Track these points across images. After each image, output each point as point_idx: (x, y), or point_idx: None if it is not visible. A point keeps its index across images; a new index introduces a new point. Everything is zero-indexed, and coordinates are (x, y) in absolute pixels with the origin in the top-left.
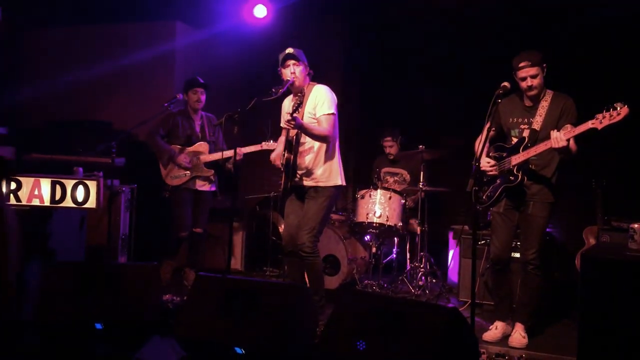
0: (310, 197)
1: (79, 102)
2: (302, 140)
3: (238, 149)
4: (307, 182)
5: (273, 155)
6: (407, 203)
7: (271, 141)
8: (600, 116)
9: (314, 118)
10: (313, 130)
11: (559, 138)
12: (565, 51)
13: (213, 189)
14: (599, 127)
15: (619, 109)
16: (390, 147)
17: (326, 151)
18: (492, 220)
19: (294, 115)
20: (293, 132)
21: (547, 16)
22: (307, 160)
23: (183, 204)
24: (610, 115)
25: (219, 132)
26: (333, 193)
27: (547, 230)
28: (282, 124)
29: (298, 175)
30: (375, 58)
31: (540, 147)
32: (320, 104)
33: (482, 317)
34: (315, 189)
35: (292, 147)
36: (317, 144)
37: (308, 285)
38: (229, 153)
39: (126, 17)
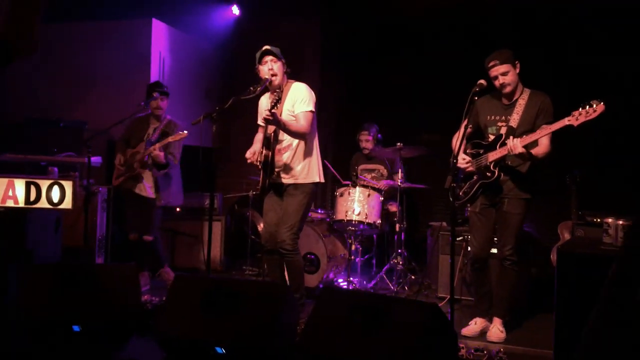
0: (289, 194)
1: (54, 100)
2: (280, 137)
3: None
4: (285, 180)
5: (249, 153)
6: (382, 187)
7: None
8: (576, 113)
9: (292, 115)
10: (290, 126)
11: (515, 145)
12: (539, 50)
13: (150, 194)
14: (575, 123)
15: (595, 105)
16: (367, 141)
17: (305, 148)
18: (469, 220)
19: (272, 111)
20: (271, 129)
21: (524, 14)
22: (285, 157)
23: (127, 206)
24: (587, 112)
25: (164, 133)
26: (312, 190)
27: (524, 226)
28: (260, 121)
29: (276, 173)
30: (353, 57)
31: (504, 151)
32: (299, 101)
33: (460, 312)
34: (295, 185)
35: (270, 144)
36: (295, 141)
37: (288, 283)
38: (150, 150)
39: (102, 15)
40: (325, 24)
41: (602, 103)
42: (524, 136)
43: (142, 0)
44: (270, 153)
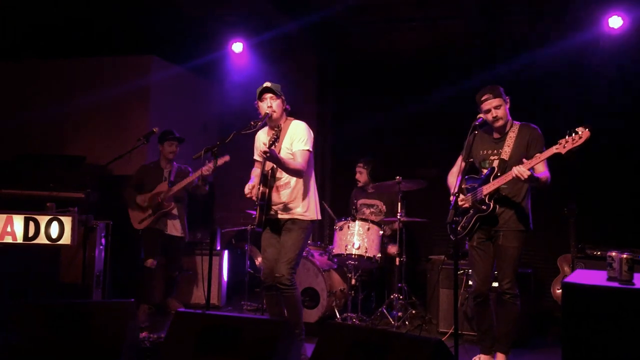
0: (288, 230)
1: (52, 135)
2: (278, 175)
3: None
4: (283, 215)
5: (247, 188)
6: (385, 232)
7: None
8: (563, 141)
9: (290, 153)
10: (288, 164)
11: (521, 171)
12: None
13: (182, 234)
14: (563, 151)
15: (580, 132)
16: (360, 173)
17: (303, 186)
18: (469, 255)
19: (271, 148)
20: (269, 166)
21: (518, 50)
22: (283, 195)
23: (152, 239)
24: (573, 140)
25: (184, 175)
26: (309, 226)
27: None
28: (256, 156)
29: (274, 210)
30: (352, 92)
31: (508, 177)
32: (297, 139)
33: (462, 347)
34: (293, 220)
35: (267, 181)
36: (294, 179)
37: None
38: (183, 182)
39: (102, 51)
40: (322, 61)
41: (587, 129)
42: (524, 161)
43: (142, 37)
44: (267, 190)
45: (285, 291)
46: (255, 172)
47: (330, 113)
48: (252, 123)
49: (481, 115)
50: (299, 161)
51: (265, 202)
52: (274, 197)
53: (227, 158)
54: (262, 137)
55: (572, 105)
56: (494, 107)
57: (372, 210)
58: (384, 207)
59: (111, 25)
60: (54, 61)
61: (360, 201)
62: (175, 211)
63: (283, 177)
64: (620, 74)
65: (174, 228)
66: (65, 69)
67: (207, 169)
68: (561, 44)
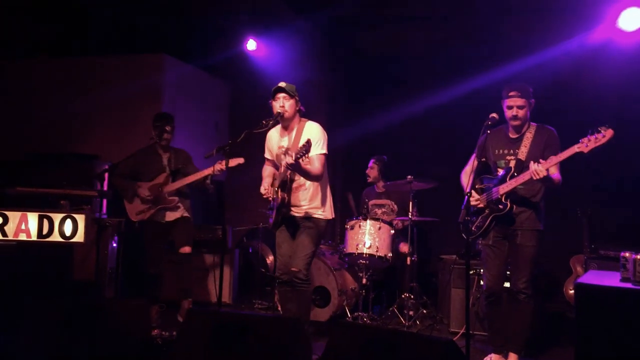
0: (305, 228)
1: (65, 134)
2: (294, 177)
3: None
4: (299, 214)
5: (263, 189)
6: (396, 225)
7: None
8: (585, 140)
9: (306, 156)
10: (310, 171)
11: (538, 170)
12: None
13: (185, 214)
14: (585, 150)
15: (603, 132)
16: (371, 169)
17: (318, 187)
18: (482, 253)
19: (297, 160)
20: (287, 171)
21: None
22: (301, 196)
23: (153, 239)
24: (596, 139)
25: (191, 164)
26: (325, 225)
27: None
28: (267, 155)
29: (291, 210)
30: (363, 91)
31: (526, 176)
32: (314, 143)
33: (474, 347)
34: (310, 219)
35: (287, 185)
36: (303, 179)
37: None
38: (190, 179)
39: (114, 49)
40: (334, 59)
41: (610, 129)
42: (541, 161)
43: (154, 35)
44: (286, 195)
45: (300, 285)
46: (267, 170)
47: (341, 111)
48: (264, 122)
49: (494, 114)
50: (316, 166)
51: (285, 207)
52: (292, 198)
53: (241, 160)
54: (274, 136)
55: (583, 104)
56: (517, 106)
57: (383, 210)
58: (395, 206)
59: (124, 24)
60: (67, 59)
61: (372, 202)
62: (179, 204)
63: (300, 179)
64: (632, 73)
65: (173, 214)
66: (79, 67)
67: (218, 169)
68: (571, 42)
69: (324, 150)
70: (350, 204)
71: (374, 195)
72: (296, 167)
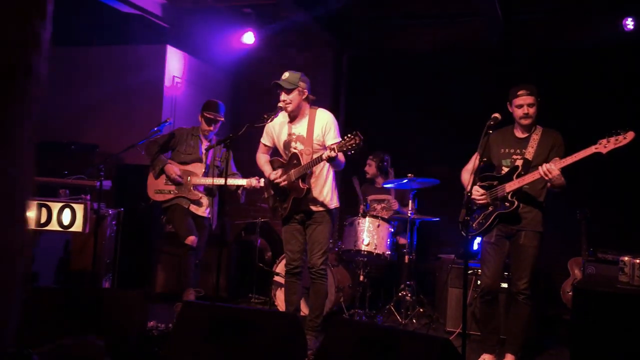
0: (318, 222)
1: (64, 123)
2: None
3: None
4: (313, 207)
5: (275, 175)
6: (392, 206)
7: (259, 179)
8: (604, 141)
9: (320, 144)
10: (342, 160)
11: (550, 169)
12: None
13: (207, 215)
14: (604, 151)
15: (624, 134)
16: (369, 165)
17: (326, 175)
18: (482, 251)
19: (335, 152)
20: (308, 164)
21: (535, 51)
22: (312, 184)
23: (182, 215)
24: (616, 140)
25: (229, 161)
26: (335, 214)
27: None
28: (265, 140)
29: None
30: (365, 87)
31: (535, 175)
32: (328, 131)
33: (469, 347)
34: (323, 213)
35: (307, 177)
36: (319, 169)
37: (311, 308)
38: (218, 181)
39: (116, 40)
40: (337, 54)
41: (631, 131)
42: (553, 161)
43: (157, 26)
44: (308, 187)
45: (318, 280)
46: (262, 158)
47: (343, 107)
48: (266, 116)
49: (496, 114)
50: (342, 155)
51: (306, 197)
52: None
53: (262, 182)
54: (280, 123)
55: (587, 107)
56: (528, 105)
57: (383, 205)
58: (395, 202)
59: (126, 14)
60: (69, 48)
61: (371, 197)
62: (202, 200)
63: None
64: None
65: (200, 210)
66: (81, 56)
67: (251, 185)
68: (580, 43)
69: (340, 138)
70: (357, 189)
71: (373, 191)
72: (335, 162)
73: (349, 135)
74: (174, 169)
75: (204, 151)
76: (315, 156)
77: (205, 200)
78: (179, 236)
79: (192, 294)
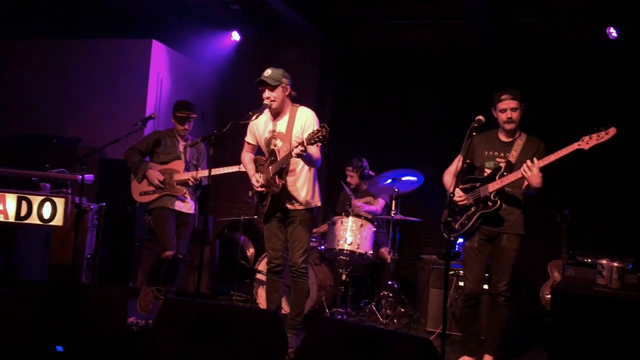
0: (298, 221)
1: (47, 116)
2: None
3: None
4: (292, 206)
5: (257, 183)
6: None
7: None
8: (586, 138)
9: (299, 142)
10: (314, 157)
11: (530, 166)
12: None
13: (192, 211)
14: (586, 147)
15: (605, 130)
16: (351, 177)
17: (308, 173)
18: (464, 255)
19: (304, 147)
20: (284, 159)
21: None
22: (289, 182)
23: (165, 222)
24: (598, 136)
25: (203, 155)
26: (315, 213)
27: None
28: (249, 139)
29: (285, 202)
30: (349, 85)
31: (517, 175)
32: (307, 128)
33: (449, 347)
34: (300, 212)
35: (283, 173)
36: (299, 167)
37: (292, 306)
38: (202, 173)
39: (101, 33)
40: (325, 53)
41: (613, 127)
42: (535, 160)
43: (142, 20)
44: (284, 182)
45: (298, 278)
46: (246, 157)
47: (329, 106)
48: (250, 113)
49: (480, 116)
50: (316, 152)
51: (282, 194)
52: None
53: (236, 168)
54: (263, 120)
55: (575, 109)
56: (511, 109)
57: (366, 199)
58: (375, 202)
59: (112, 7)
60: (55, 41)
61: (354, 201)
62: (187, 195)
63: (290, 164)
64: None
65: (185, 206)
66: (66, 49)
67: (218, 171)
68: (568, 44)
69: None
70: (346, 190)
71: (357, 195)
72: (306, 157)
73: (316, 128)
74: (155, 174)
75: (181, 149)
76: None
77: (189, 196)
78: (158, 243)
79: (149, 293)
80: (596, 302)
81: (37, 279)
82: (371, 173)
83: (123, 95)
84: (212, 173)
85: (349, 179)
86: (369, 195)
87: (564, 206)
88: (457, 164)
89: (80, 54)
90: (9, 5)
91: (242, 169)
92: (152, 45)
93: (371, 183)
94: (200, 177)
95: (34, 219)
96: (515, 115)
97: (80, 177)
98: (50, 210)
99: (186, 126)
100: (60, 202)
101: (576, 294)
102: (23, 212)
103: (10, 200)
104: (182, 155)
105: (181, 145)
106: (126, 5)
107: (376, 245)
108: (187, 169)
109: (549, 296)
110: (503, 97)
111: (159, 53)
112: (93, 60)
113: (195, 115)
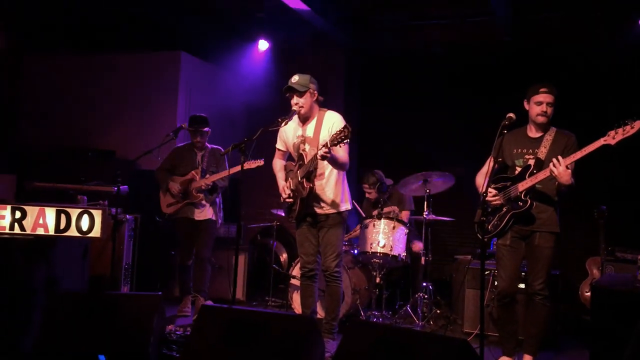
0: (329, 225)
1: (82, 130)
2: (317, 167)
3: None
4: (321, 210)
5: (285, 194)
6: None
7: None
8: (612, 133)
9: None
10: (342, 160)
11: (556, 163)
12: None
13: (212, 217)
14: (612, 142)
15: (631, 123)
16: (369, 193)
17: (337, 176)
18: (498, 253)
19: (329, 148)
20: (311, 162)
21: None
22: (319, 186)
23: (184, 233)
24: (624, 130)
25: (223, 162)
26: (346, 217)
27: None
28: (279, 145)
29: (314, 207)
30: (374, 87)
31: (546, 172)
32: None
33: (487, 348)
34: (330, 216)
35: (311, 176)
36: (328, 170)
37: (325, 311)
38: (215, 177)
39: (132, 46)
40: (349, 58)
41: (639, 120)
42: (561, 158)
43: (172, 33)
44: (311, 185)
45: (332, 282)
46: (278, 164)
47: (356, 111)
48: (280, 120)
49: (511, 114)
50: (344, 155)
51: (310, 197)
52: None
53: (261, 162)
54: (292, 126)
55: (603, 105)
56: (547, 103)
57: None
58: (399, 210)
59: (142, 21)
60: (88, 55)
61: (375, 212)
62: (204, 201)
63: (320, 168)
64: None
65: (202, 214)
66: (98, 63)
67: (234, 170)
68: (592, 42)
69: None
70: (358, 209)
71: (375, 206)
72: (331, 158)
73: (339, 129)
74: (175, 185)
75: (199, 159)
76: None
77: (208, 203)
78: (177, 253)
79: (187, 300)
80: (637, 298)
81: (77, 289)
82: (388, 183)
83: (154, 107)
84: (211, 180)
85: (367, 195)
86: (391, 206)
87: (600, 202)
88: (488, 164)
89: (112, 68)
90: (43, 21)
91: (247, 167)
92: (180, 56)
93: (402, 184)
94: (213, 181)
95: (72, 231)
96: (550, 110)
97: (116, 188)
98: (88, 223)
99: (198, 138)
100: (97, 214)
101: (616, 291)
102: (62, 225)
103: (50, 213)
104: (199, 165)
105: (199, 155)
106: (153, 19)
107: (408, 244)
108: (203, 177)
109: (588, 294)
110: (542, 89)
111: (187, 64)
112: (125, 74)
113: (205, 129)
